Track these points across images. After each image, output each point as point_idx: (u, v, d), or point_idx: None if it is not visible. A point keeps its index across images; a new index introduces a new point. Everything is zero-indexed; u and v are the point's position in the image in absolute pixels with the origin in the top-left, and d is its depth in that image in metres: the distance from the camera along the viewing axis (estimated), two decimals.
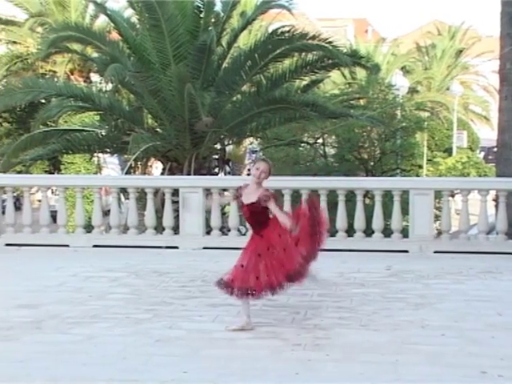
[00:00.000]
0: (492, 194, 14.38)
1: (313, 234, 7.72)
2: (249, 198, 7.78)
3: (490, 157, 50.41)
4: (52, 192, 23.70)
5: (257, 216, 7.82)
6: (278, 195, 8.11)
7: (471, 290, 9.77)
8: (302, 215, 7.74)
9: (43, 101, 21.32)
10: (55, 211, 14.18)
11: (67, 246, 13.34)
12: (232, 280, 7.80)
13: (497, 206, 13.96)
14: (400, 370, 6.59)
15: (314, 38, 16.10)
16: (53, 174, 29.32)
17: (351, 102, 24.51)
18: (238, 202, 8.01)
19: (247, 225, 9.32)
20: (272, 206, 7.69)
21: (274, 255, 7.67)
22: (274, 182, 14.04)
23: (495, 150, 20.93)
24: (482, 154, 55.06)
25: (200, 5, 16.58)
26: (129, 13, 20.65)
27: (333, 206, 13.50)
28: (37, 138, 17.21)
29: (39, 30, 33.19)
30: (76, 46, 18.86)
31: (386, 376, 6.42)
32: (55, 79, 28.61)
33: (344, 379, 6.36)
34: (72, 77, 33.39)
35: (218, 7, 17.32)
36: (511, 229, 12.95)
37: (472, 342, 7.45)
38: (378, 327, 7.97)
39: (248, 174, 37.88)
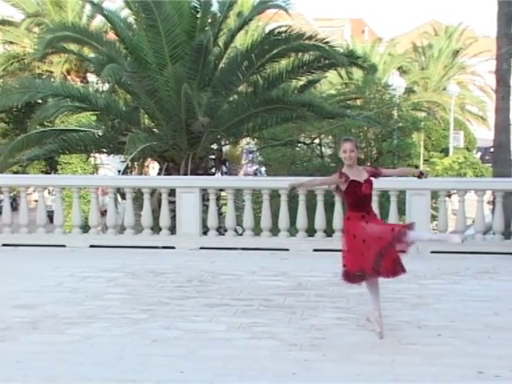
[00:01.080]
0: (488, 194, 14.38)
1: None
2: (360, 176, 7.63)
3: (486, 157, 50.45)
4: (49, 192, 23.67)
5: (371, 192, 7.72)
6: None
7: (468, 290, 9.78)
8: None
9: (40, 101, 21.25)
10: (52, 211, 14.19)
11: (64, 246, 13.33)
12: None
13: (493, 207, 13.99)
14: (397, 370, 6.60)
15: (310, 38, 16.09)
16: (49, 174, 29.29)
17: (348, 102, 24.54)
18: (347, 183, 7.62)
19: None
20: (386, 171, 7.90)
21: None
22: (270, 182, 14.12)
23: (492, 150, 20.93)
24: (479, 154, 55.11)
25: (197, 5, 16.57)
26: (125, 13, 20.64)
27: (330, 207, 13.51)
28: (33, 138, 17.18)
29: (36, 30, 33.13)
30: (73, 46, 18.86)
31: (383, 376, 6.43)
32: (52, 79, 28.56)
33: (341, 379, 6.36)
34: (69, 77, 33.35)
35: (215, 7, 17.30)
36: (508, 229, 12.97)
37: (469, 341, 7.46)
38: (375, 327, 7.97)
39: (245, 175, 37.96)
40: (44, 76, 31.19)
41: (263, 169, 33.00)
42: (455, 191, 15.29)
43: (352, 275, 7.55)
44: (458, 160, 38.12)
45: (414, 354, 7.07)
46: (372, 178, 7.68)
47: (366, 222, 7.55)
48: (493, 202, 14.32)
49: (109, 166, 32.12)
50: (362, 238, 7.47)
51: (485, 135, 47.86)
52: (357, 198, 7.63)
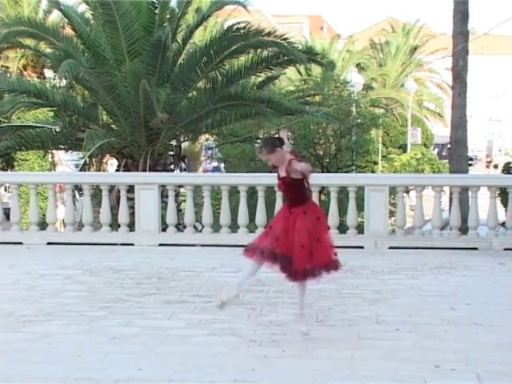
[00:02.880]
0: (446, 189, 14.53)
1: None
2: (281, 171, 7.56)
3: (443, 153, 51.09)
4: (5, 189, 23.40)
5: (292, 188, 7.54)
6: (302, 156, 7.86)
7: (425, 285, 9.87)
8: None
9: None
10: (8, 208, 14.01)
11: (21, 243, 13.19)
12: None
13: (450, 202, 14.14)
14: (355, 365, 6.64)
15: (269, 34, 16.10)
16: (6, 170, 28.96)
17: (307, 98, 24.65)
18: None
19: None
20: (295, 164, 7.43)
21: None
22: (229, 179, 14.11)
23: (449, 146, 21.17)
24: (436, 150, 55.78)
25: (155, 1, 16.49)
26: (83, 8, 20.44)
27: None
28: None
29: None
30: (29, 42, 18.63)
31: (341, 371, 6.46)
32: (8, 75, 28.24)
33: (300, 375, 6.39)
34: (25, 72, 33.03)
35: (173, 3, 17.25)
36: (464, 224, 13.11)
37: (426, 336, 7.53)
38: (333, 323, 8.03)
39: (204, 171, 37.91)
40: (0, 71, 30.81)
41: (222, 165, 32.97)
42: (413, 187, 15.42)
43: (255, 248, 7.43)
44: (415, 156, 38.54)
45: (373, 348, 7.12)
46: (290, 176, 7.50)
47: (290, 216, 7.49)
48: (450, 198, 14.48)
49: (67, 162, 31.87)
50: (281, 227, 7.45)
51: (442, 132, 48.45)
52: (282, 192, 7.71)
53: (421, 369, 6.51)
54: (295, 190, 7.55)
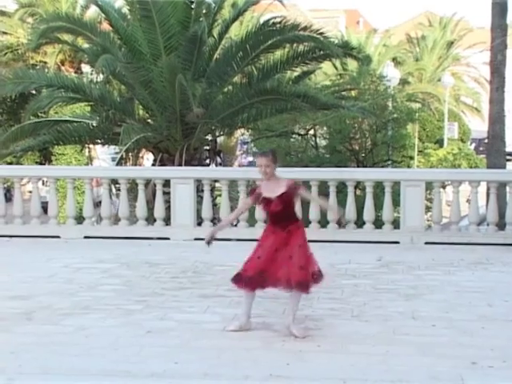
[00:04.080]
0: (483, 185, 14.40)
1: None
2: (275, 191, 7.44)
3: (480, 148, 50.54)
4: (43, 183, 23.62)
5: (287, 207, 7.48)
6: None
7: (462, 281, 9.80)
8: None
9: (34, 92, 21.16)
10: (46, 202, 14.16)
11: (58, 237, 13.32)
12: (245, 270, 7.57)
13: (487, 198, 14.01)
14: (390, 360, 6.61)
15: (305, 29, 16.06)
16: (44, 164, 29.23)
17: (342, 93, 24.46)
18: (259, 201, 7.58)
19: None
20: (304, 193, 7.59)
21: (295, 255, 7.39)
22: None
23: (486, 141, 20.97)
24: (473, 145, 55.19)
25: None
26: (120, 3, 20.49)
27: (324, 198, 13.52)
28: (27, 128, 17.13)
29: (29, 20, 33.04)
30: (67, 37, 18.76)
31: (376, 367, 6.44)
32: (46, 70, 28.45)
33: (335, 370, 6.38)
34: (63, 67, 33.29)
35: None
36: (502, 220, 12.99)
37: (462, 332, 7.48)
38: (368, 318, 8.00)
39: (239, 165, 37.93)
40: (38, 66, 31.14)
41: None
42: (449, 182, 15.31)
43: (246, 277, 7.50)
44: (452, 151, 38.19)
45: (408, 344, 7.09)
46: (290, 194, 7.45)
47: (276, 237, 7.49)
48: (487, 194, 14.34)
49: (104, 157, 32.09)
50: (269, 247, 7.49)
51: (479, 126, 47.91)
52: (269, 214, 7.63)
53: (457, 365, 6.46)
54: (290, 207, 7.52)
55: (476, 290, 9.33)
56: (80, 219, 14.17)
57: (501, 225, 12.97)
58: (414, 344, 7.08)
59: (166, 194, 13.64)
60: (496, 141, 19.21)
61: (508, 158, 22.11)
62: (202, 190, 13.64)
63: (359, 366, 6.45)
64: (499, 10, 19.19)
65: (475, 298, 8.90)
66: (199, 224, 13.46)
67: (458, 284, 9.64)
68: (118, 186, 15.38)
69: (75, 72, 32.69)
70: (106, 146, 19.03)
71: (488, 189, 13.89)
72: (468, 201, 14.88)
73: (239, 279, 7.57)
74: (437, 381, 6.13)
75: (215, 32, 17.19)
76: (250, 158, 39.16)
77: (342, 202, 13.42)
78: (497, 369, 6.40)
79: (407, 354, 6.81)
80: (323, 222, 13.18)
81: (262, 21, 18.59)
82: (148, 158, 24.43)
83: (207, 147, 18.01)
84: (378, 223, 13.32)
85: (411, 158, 33.74)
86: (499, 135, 19.22)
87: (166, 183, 13.58)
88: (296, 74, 19.03)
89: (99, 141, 18.04)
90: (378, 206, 14.27)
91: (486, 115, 20.94)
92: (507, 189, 13.31)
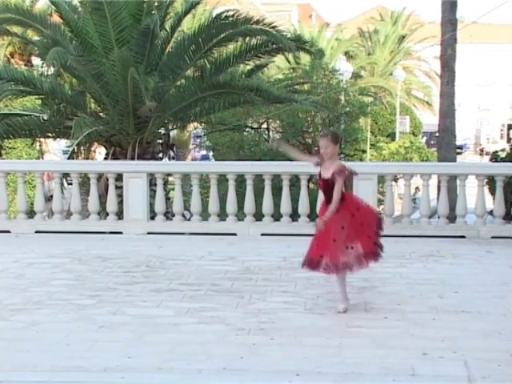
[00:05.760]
0: (434, 178, 14.56)
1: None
2: (325, 173, 7.86)
3: (432, 141, 51.15)
4: None
5: (332, 190, 7.82)
6: (351, 172, 8.17)
7: (414, 274, 9.90)
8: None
9: None
10: None
11: (9, 231, 13.16)
12: (322, 256, 7.85)
13: (438, 191, 14.17)
14: (344, 353, 6.66)
15: (258, 22, 16.06)
16: None
17: (295, 86, 24.55)
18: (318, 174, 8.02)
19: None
20: (338, 184, 7.76)
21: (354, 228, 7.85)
22: (217, 167, 14.11)
23: (437, 134, 21.21)
24: (425, 138, 55.83)
25: None
26: None
27: (277, 191, 13.56)
28: None
29: None
30: (16, 29, 18.51)
31: (330, 359, 6.48)
32: None
33: (288, 363, 6.40)
34: (12, 60, 32.83)
35: None
36: (452, 212, 13.15)
37: (414, 324, 7.56)
38: (321, 311, 8.04)
39: (192, 159, 37.84)
40: None
41: (211, 153, 32.92)
42: (401, 175, 15.46)
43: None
44: (404, 145, 38.57)
45: (361, 336, 7.15)
46: (333, 178, 7.78)
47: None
48: (438, 187, 14.51)
49: (55, 150, 31.75)
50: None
51: (430, 120, 48.45)
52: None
53: (409, 356, 6.54)
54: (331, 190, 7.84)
55: (427, 281, 9.44)
56: (31, 213, 14.01)
57: (451, 217, 13.13)
58: (367, 336, 7.14)
59: (119, 188, 13.56)
60: (447, 134, 19.46)
61: (458, 151, 22.40)
62: (155, 184, 13.58)
63: (312, 359, 6.49)
64: (449, 5, 19.43)
65: (426, 289, 9.01)
66: (152, 218, 13.40)
67: (410, 276, 9.74)
68: (69, 179, 15.21)
69: (25, 65, 32.25)
70: (58, 139, 18.81)
71: (439, 182, 14.06)
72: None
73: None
74: (389, 372, 6.19)
75: (167, 25, 17.11)
76: (204, 152, 39.08)
77: (295, 196, 13.47)
78: (447, 359, 6.49)
79: (360, 345, 6.86)
80: (276, 216, 13.22)
81: (214, 14, 18.58)
82: (100, 151, 24.22)
83: (160, 141, 17.93)
84: None
85: (364, 151, 34.01)
86: (450, 129, 19.47)
87: (119, 177, 13.49)
88: (249, 67, 19.03)
89: (50, 134, 17.83)
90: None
91: (437, 109, 21.17)
92: (457, 182, 13.48)
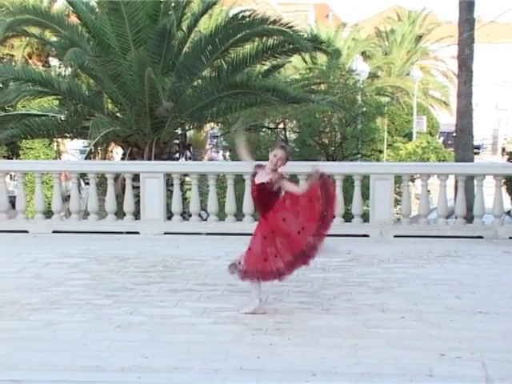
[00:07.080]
0: (451, 178, 14.51)
1: (321, 216, 7.79)
2: (260, 178, 7.85)
3: (449, 142, 50.93)
4: (11, 177, 23.43)
5: (263, 198, 7.88)
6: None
7: (431, 274, 9.87)
8: (314, 195, 7.89)
9: (1, 85, 20.99)
10: (14, 197, 14.03)
11: (26, 231, 13.21)
12: (240, 263, 7.90)
13: (455, 191, 14.11)
14: (360, 353, 6.64)
15: (274, 22, 16.06)
16: (11, 159, 28.96)
17: (312, 87, 24.54)
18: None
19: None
20: (285, 183, 7.81)
21: (280, 238, 7.76)
22: (234, 167, 14.11)
23: (454, 134, 21.12)
24: (442, 138, 55.63)
25: None
26: None
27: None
28: None
29: None
30: (34, 30, 18.59)
31: (346, 360, 6.47)
32: (13, 63, 28.18)
33: (305, 363, 6.39)
34: (30, 61, 32.96)
35: None
36: (470, 213, 13.09)
37: (431, 324, 7.53)
38: (338, 311, 8.03)
39: (209, 159, 37.87)
40: (5, 60, 30.79)
41: (227, 154, 32.92)
42: (418, 176, 15.41)
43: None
44: (421, 145, 38.45)
45: (377, 337, 7.13)
46: (269, 185, 7.78)
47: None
48: (455, 187, 14.46)
49: (72, 151, 31.87)
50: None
51: (447, 120, 48.30)
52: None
53: (426, 357, 6.51)
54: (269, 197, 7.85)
55: (444, 282, 9.40)
56: (48, 214, 14.07)
57: (469, 218, 13.07)
58: (384, 336, 7.12)
59: (136, 188, 13.58)
60: (464, 134, 19.37)
61: (476, 151, 22.30)
62: (172, 184, 13.60)
63: (329, 359, 6.47)
64: (466, 5, 19.34)
65: (444, 290, 8.97)
66: (169, 218, 13.43)
67: (427, 277, 9.71)
68: (86, 179, 15.27)
69: (43, 65, 32.40)
70: (75, 139, 18.89)
71: (456, 182, 14.00)
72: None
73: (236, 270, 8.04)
74: (405, 372, 6.17)
75: (184, 25, 17.14)
76: (220, 152, 39.06)
77: None
78: (465, 360, 6.46)
79: (377, 346, 6.85)
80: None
81: (231, 14, 18.57)
82: (117, 152, 24.32)
83: (177, 141, 17.97)
84: (348, 216, 13.37)
85: (380, 151, 33.89)
86: (467, 129, 19.38)
87: (136, 177, 13.52)
88: (265, 67, 19.04)
89: (68, 135, 17.90)
90: (348, 199, 14.32)
91: (455, 109, 21.09)
92: (475, 182, 13.41)
